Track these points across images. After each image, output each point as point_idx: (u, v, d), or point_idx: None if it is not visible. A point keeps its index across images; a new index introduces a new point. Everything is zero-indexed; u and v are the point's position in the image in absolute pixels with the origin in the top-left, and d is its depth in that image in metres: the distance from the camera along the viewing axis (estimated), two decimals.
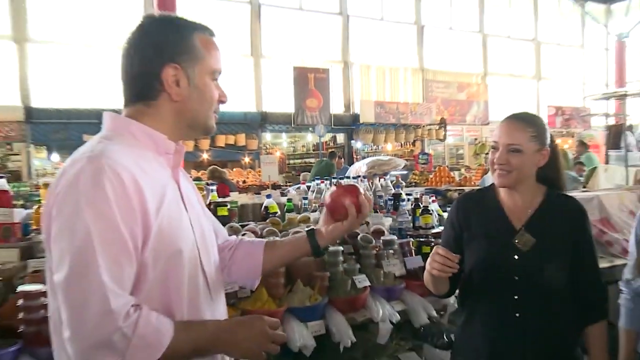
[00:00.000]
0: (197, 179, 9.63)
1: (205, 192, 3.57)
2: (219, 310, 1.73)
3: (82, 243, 1.33)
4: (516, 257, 2.22)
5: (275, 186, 9.94)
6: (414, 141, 18.33)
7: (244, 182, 12.07)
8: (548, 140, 2.29)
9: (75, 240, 1.34)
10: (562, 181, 2.42)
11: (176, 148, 1.64)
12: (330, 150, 15.21)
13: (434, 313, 3.16)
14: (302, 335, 2.68)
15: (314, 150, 18.18)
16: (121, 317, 1.32)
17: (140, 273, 1.44)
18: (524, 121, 2.28)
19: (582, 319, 2.28)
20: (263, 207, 3.74)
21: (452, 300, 3.19)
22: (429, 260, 2.14)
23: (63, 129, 13.63)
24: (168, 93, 1.57)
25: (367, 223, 3.49)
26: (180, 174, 1.69)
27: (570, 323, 2.25)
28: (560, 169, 2.41)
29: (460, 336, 2.47)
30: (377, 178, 4.76)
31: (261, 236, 3.13)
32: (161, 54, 1.56)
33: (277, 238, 3.04)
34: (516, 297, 2.21)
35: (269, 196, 3.82)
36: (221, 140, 14.81)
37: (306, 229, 2.00)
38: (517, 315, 2.20)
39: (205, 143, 14.43)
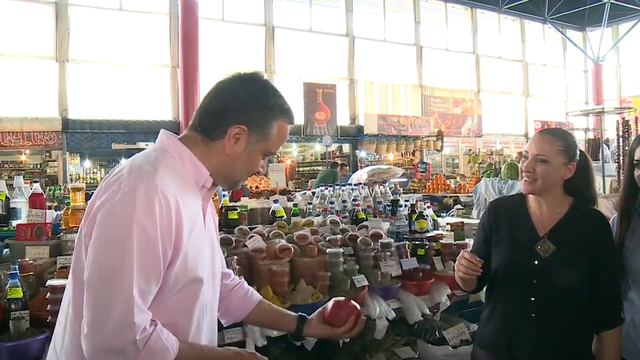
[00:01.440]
0: None
1: (217, 197, 3.55)
2: (214, 335, 1.73)
3: (124, 254, 1.32)
4: (536, 262, 2.21)
5: (285, 192, 9.93)
6: (414, 151, 18.33)
7: (257, 187, 12.07)
8: (577, 156, 2.25)
9: (118, 250, 1.33)
10: (592, 194, 2.37)
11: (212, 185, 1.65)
12: (333, 160, 15.24)
13: (428, 311, 3.13)
14: None
15: (321, 159, 18.18)
16: (139, 330, 1.32)
17: (158, 291, 1.43)
18: (554, 135, 2.26)
19: (597, 325, 2.23)
20: (270, 211, 3.72)
21: (443, 299, 3.18)
22: (456, 262, 2.19)
23: (95, 138, 13.78)
24: (224, 144, 1.55)
25: (366, 227, 3.48)
26: (208, 207, 1.68)
27: (584, 328, 2.22)
28: (590, 182, 2.36)
29: (481, 329, 2.47)
30: (377, 185, 4.74)
31: (268, 237, 3.13)
32: (241, 113, 1.55)
33: (283, 241, 3.04)
34: (533, 298, 2.20)
35: (276, 201, 3.80)
36: None
37: (300, 314, 1.95)
38: (533, 315, 2.19)
39: None
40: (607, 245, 2.25)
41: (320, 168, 17.20)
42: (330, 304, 1.91)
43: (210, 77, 14.67)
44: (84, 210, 3.04)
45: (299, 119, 16.04)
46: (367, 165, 14.71)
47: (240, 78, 1.60)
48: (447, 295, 3.23)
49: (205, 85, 13.78)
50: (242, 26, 16.14)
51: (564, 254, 2.19)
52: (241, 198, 4.78)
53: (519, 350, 2.21)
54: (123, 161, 1.54)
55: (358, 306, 1.92)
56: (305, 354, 2.76)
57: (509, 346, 2.24)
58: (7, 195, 3.66)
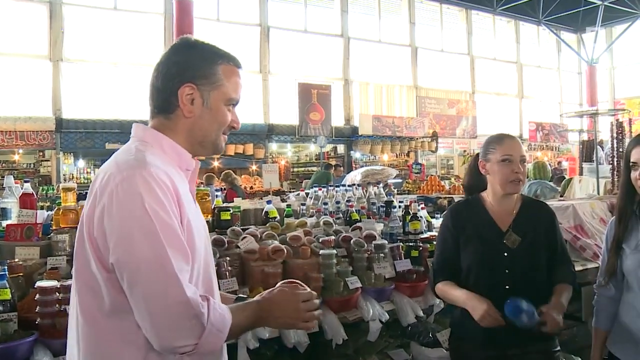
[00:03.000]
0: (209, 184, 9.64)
1: (210, 197, 3.53)
2: None
3: (152, 242, 1.35)
4: (505, 254, 2.45)
5: (279, 192, 9.91)
6: (408, 152, 18.36)
7: (251, 188, 12.06)
8: None
9: (145, 240, 1.35)
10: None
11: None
12: (327, 161, 15.22)
13: (421, 313, 3.12)
14: (296, 333, 2.64)
15: (316, 160, 18.18)
16: (196, 305, 1.37)
17: None
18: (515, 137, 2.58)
19: (554, 284, 2.48)
20: (264, 212, 3.70)
21: (437, 301, 3.16)
22: (480, 315, 2.27)
23: (89, 138, 13.73)
24: (182, 109, 1.56)
25: (360, 229, 3.46)
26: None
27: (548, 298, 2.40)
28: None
29: (458, 324, 2.62)
30: (371, 186, 4.73)
31: (261, 239, 3.11)
32: (182, 73, 1.56)
33: (276, 242, 3.02)
34: (507, 287, 2.41)
35: (269, 202, 3.78)
36: (231, 150, 14.88)
37: (238, 296, 1.80)
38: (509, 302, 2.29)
39: None
40: (555, 224, 2.59)
41: (315, 169, 17.19)
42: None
43: None
44: (75, 210, 3.04)
45: (293, 119, 16.06)
46: (362, 166, 14.72)
47: (171, 47, 1.64)
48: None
49: None
50: (237, 26, 16.08)
51: (527, 242, 2.46)
52: (235, 199, 4.76)
53: (497, 338, 2.37)
54: (104, 164, 1.53)
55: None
56: (297, 356, 2.75)
57: (489, 336, 2.37)
58: None
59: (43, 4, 13.75)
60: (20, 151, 14.81)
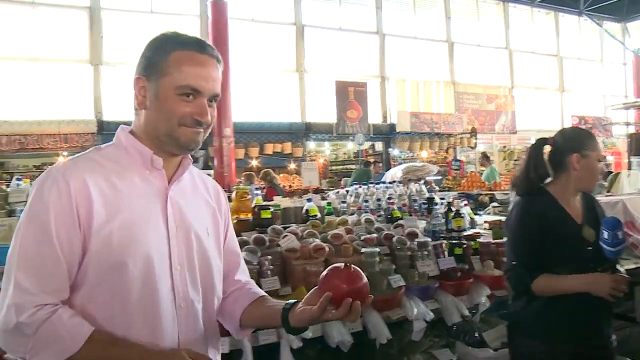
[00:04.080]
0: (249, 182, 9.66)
1: (250, 196, 3.51)
2: (192, 331, 1.54)
3: (15, 243, 1.36)
4: (589, 248, 2.45)
5: (318, 190, 9.89)
6: (447, 149, 18.14)
7: (290, 186, 12.09)
8: None
9: (13, 242, 1.37)
10: None
11: (171, 162, 1.56)
12: (365, 159, 15.17)
13: (467, 312, 3.05)
14: (340, 332, 2.60)
15: (354, 157, 18.12)
16: (22, 313, 1.30)
17: (79, 275, 1.39)
18: None
19: None
20: (304, 210, 3.67)
21: (483, 299, 3.09)
22: (611, 282, 2.30)
23: None
24: (135, 102, 1.53)
25: (402, 226, 3.40)
26: (186, 190, 1.60)
27: None
28: None
29: (536, 320, 2.54)
30: (412, 183, 4.67)
31: (302, 237, 3.08)
32: (139, 67, 1.53)
33: (317, 240, 2.98)
34: None
35: (309, 200, 3.75)
36: (269, 148, 15.01)
37: (289, 301, 1.54)
38: (597, 298, 2.35)
39: (254, 151, 14.70)
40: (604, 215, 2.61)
41: (352, 167, 17.15)
42: (325, 271, 1.46)
43: (240, 77, 14.73)
44: None
45: (331, 117, 16.07)
46: (400, 163, 14.61)
47: None
48: (487, 296, 3.15)
49: (235, 85, 13.85)
50: (272, 26, 16.15)
51: (597, 234, 2.42)
52: (275, 197, 4.75)
53: (586, 329, 2.45)
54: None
55: (363, 278, 1.42)
56: (340, 355, 2.70)
57: (576, 329, 2.44)
58: None
59: (83, 10, 14.08)
60: (65, 153, 15.10)
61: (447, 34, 19.22)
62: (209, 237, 1.60)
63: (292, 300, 1.54)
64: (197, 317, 1.55)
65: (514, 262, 2.54)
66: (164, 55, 1.49)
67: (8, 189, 3.67)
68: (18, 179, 3.75)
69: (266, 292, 2.61)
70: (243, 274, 1.79)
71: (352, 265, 1.43)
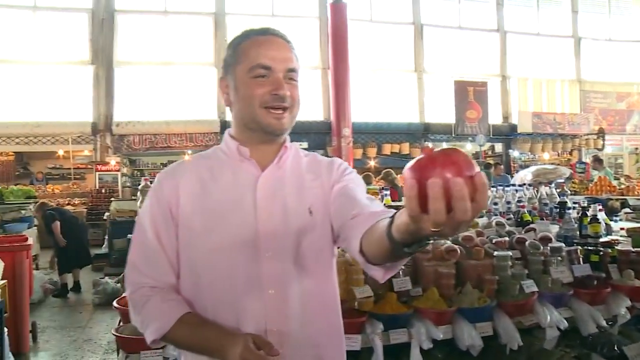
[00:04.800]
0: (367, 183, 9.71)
1: (380, 196, 3.57)
2: (287, 322, 1.51)
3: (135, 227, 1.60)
4: None
5: None
6: (571, 150, 17.31)
7: None
8: None
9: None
10: None
11: (266, 151, 1.59)
12: (485, 160, 14.82)
13: (604, 323, 2.91)
14: (470, 335, 2.59)
15: (473, 159, 17.74)
16: (128, 288, 1.55)
17: (179, 263, 1.56)
18: None
19: None
20: None
21: (622, 311, 2.95)
22: None
23: None
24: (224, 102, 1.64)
25: (534, 230, 3.32)
26: (286, 175, 1.60)
27: None
28: None
29: None
30: (542, 186, 4.53)
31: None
32: (221, 71, 1.64)
33: (449, 242, 2.97)
34: None
35: None
36: (387, 149, 15.05)
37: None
38: None
39: (372, 151, 14.78)
40: None
41: None
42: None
43: (360, 77, 14.86)
44: None
45: (449, 118, 15.86)
46: (521, 166, 14.13)
47: None
48: (627, 308, 2.99)
49: (355, 86, 13.98)
50: (391, 26, 16.18)
51: None
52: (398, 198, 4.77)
53: None
54: None
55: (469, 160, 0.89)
56: (469, 359, 2.69)
57: None
58: None
59: (209, 16, 14.84)
60: (189, 152, 15.94)
61: (573, 29, 18.32)
62: (312, 216, 1.55)
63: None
64: (290, 304, 1.52)
65: None
66: (234, 50, 1.57)
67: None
68: None
69: (397, 292, 2.67)
70: (363, 207, 1.43)
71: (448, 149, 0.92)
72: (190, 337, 1.45)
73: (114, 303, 2.71)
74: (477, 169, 0.89)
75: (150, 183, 4.03)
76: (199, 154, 1.69)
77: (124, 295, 2.82)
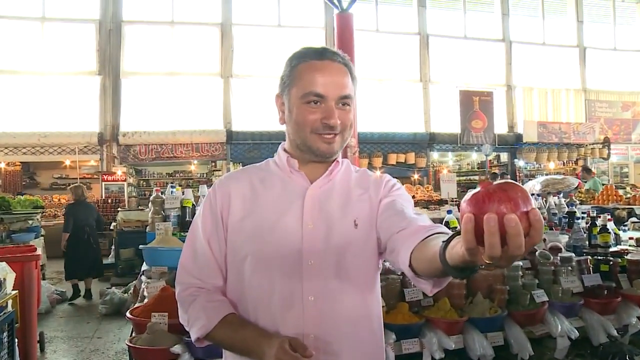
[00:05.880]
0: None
1: None
2: (326, 329, 1.53)
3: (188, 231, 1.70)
4: None
5: (441, 202, 9.78)
6: (577, 160, 17.30)
7: (413, 197, 12.03)
8: None
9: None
10: None
11: (317, 165, 1.63)
12: (490, 170, 14.82)
13: (614, 332, 2.92)
14: (481, 345, 2.61)
15: (478, 169, 17.74)
16: (177, 288, 1.63)
17: (226, 266, 1.62)
18: None
19: None
20: (444, 222, 3.67)
21: (633, 320, 2.95)
22: None
23: (256, 149, 14.56)
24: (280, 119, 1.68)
25: (544, 240, 3.33)
26: (334, 188, 1.63)
27: None
28: None
29: None
30: (551, 196, 4.54)
31: None
32: (279, 86, 1.67)
33: None
34: None
35: (449, 211, 3.75)
36: (392, 159, 15.09)
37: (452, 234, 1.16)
38: None
39: (378, 161, 14.80)
40: None
41: (476, 178, 16.79)
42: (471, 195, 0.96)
43: (365, 87, 14.90)
44: None
45: (455, 128, 15.89)
46: (526, 175, 14.13)
47: None
48: (637, 317, 3.00)
49: (360, 96, 14.02)
50: (396, 36, 16.27)
51: None
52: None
53: None
54: None
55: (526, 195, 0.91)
56: None
57: None
58: (194, 202, 3.96)
59: (215, 26, 14.94)
60: (195, 162, 16.00)
61: (578, 38, 18.39)
62: (357, 229, 1.57)
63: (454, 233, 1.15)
64: (329, 312, 1.53)
65: None
66: (290, 71, 1.59)
67: (164, 196, 3.92)
68: (172, 186, 4.02)
69: (408, 302, 2.69)
70: (411, 221, 1.46)
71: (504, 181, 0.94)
72: (231, 337, 1.50)
73: (127, 314, 2.70)
74: (534, 204, 0.92)
75: (162, 194, 4.08)
76: (252, 165, 1.75)
77: (136, 305, 2.85)
